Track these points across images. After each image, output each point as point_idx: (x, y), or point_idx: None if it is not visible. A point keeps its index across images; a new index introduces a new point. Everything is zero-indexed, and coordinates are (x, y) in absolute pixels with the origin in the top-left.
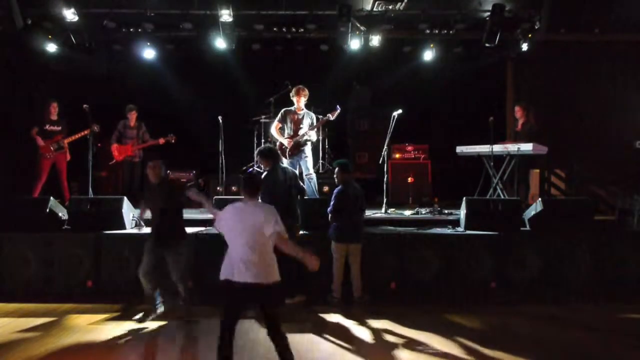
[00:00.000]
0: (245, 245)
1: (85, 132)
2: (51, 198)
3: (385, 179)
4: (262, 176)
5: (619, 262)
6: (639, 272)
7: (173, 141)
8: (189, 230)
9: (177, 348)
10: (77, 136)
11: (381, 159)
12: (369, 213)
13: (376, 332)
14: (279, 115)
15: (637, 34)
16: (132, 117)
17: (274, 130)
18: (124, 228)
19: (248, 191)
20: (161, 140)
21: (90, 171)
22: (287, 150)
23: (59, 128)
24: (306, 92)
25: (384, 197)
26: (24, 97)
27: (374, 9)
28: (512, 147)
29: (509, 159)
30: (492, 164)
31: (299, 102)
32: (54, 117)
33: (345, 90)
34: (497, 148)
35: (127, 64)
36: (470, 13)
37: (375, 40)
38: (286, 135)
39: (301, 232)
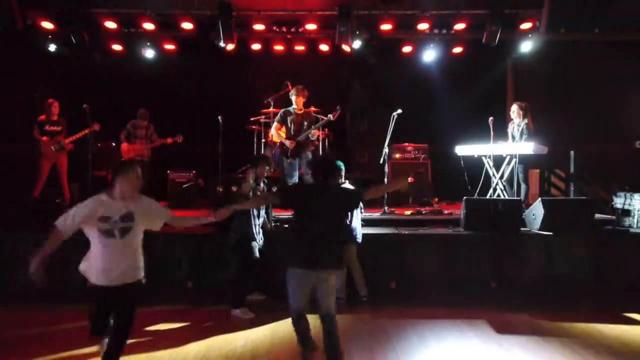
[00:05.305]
0: None
1: (86, 131)
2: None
3: (385, 179)
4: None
5: (618, 262)
6: (639, 272)
7: (180, 141)
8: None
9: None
10: (77, 136)
11: (381, 159)
12: (368, 213)
13: (376, 332)
14: (279, 116)
15: (637, 33)
16: (144, 123)
17: (274, 131)
18: None
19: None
20: (169, 140)
21: (90, 171)
22: (289, 150)
23: (59, 128)
24: (306, 92)
25: (384, 197)
26: (24, 97)
27: (374, 9)
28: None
29: (509, 159)
30: (492, 164)
31: (299, 102)
32: (54, 117)
33: (345, 90)
34: (497, 148)
35: (127, 64)
36: (470, 13)
37: (376, 40)
38: (287, 136)
39: None
